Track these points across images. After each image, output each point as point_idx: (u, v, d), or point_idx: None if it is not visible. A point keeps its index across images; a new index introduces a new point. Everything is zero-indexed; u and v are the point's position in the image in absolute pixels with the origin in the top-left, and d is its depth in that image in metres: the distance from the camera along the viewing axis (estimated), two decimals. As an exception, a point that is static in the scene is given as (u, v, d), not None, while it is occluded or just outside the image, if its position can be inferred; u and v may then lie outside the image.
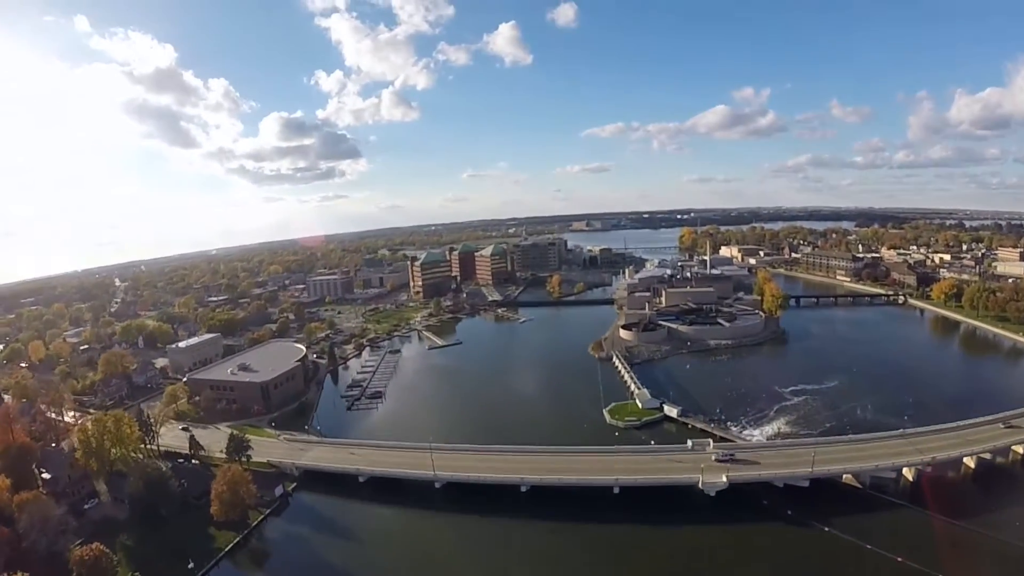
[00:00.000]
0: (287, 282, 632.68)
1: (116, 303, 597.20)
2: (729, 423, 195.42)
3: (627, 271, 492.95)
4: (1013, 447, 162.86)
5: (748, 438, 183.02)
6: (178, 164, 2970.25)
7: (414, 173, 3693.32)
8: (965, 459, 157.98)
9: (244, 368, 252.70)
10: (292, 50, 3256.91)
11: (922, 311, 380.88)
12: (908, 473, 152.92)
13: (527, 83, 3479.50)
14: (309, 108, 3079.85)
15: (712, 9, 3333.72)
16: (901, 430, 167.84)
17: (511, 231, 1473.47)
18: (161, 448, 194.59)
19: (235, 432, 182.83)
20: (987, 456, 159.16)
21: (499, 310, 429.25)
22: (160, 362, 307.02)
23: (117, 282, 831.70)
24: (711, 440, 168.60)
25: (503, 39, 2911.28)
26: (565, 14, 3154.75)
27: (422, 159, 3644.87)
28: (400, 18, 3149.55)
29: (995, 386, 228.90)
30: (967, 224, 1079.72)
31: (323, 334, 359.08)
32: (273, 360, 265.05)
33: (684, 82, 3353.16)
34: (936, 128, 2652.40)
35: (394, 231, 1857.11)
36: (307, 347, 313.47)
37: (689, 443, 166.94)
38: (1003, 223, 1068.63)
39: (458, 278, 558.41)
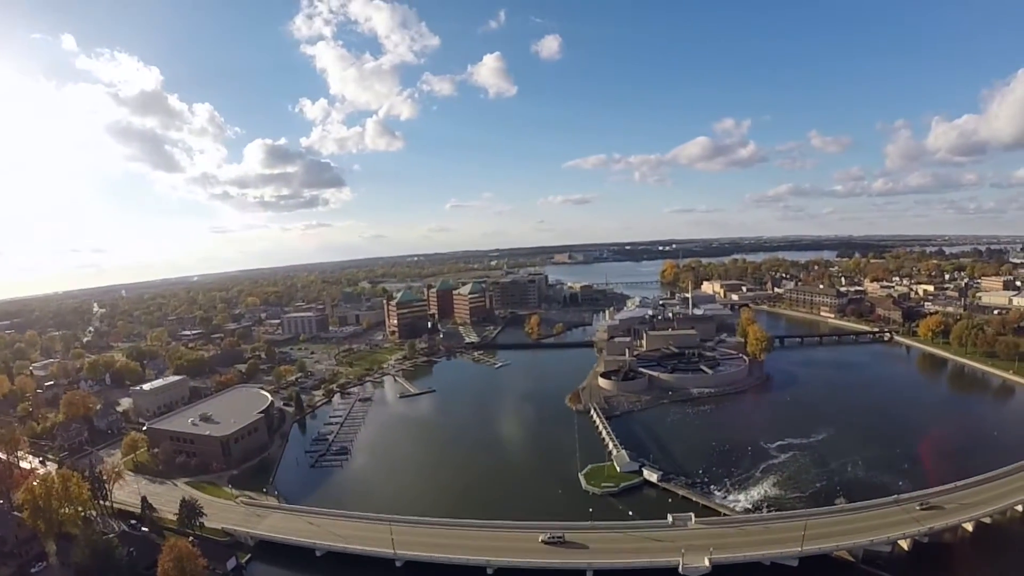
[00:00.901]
0: (263, 315, 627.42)
1: (90, 332, 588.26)
2: (712, 487, 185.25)
3: (607, 312, 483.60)
4: (1014, 507, 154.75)
5: (733, 504, 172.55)
6: (162, 188, 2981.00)
7: (397, 203, 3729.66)
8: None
9: (206, 419, 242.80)
10: (277, 77, 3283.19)
11: (908, 348, 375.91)
12: (904, 542, 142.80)
13: (511, 114, 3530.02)
14: (293, 135, 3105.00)
15: (693, 41, 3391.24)
16: (895, 496, 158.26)
17: (493, 263, 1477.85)
18: (115, 505, 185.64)
19: (186, 498, 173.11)
20: (986, 520, 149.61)
21: (476, 353, 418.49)
22: (125, 402, 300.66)
23: (95, 307, 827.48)
24: (692, 514, 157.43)
25: (488, 70, 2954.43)
26: (549, 46, 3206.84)
27: (406, 189, 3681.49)
28: (386, 47, 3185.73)
29: (988, 432, 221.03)
30: (947, 251, 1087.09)
31: (293, 377, 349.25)
32: (237, 409, 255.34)
33: (666, 114, 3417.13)
34: (914, 156, 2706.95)
35: (376, 261, 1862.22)
36: (276, 391, 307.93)
37: (669, 518, 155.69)
38: (983, 248, 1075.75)
39: (436, 316, 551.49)
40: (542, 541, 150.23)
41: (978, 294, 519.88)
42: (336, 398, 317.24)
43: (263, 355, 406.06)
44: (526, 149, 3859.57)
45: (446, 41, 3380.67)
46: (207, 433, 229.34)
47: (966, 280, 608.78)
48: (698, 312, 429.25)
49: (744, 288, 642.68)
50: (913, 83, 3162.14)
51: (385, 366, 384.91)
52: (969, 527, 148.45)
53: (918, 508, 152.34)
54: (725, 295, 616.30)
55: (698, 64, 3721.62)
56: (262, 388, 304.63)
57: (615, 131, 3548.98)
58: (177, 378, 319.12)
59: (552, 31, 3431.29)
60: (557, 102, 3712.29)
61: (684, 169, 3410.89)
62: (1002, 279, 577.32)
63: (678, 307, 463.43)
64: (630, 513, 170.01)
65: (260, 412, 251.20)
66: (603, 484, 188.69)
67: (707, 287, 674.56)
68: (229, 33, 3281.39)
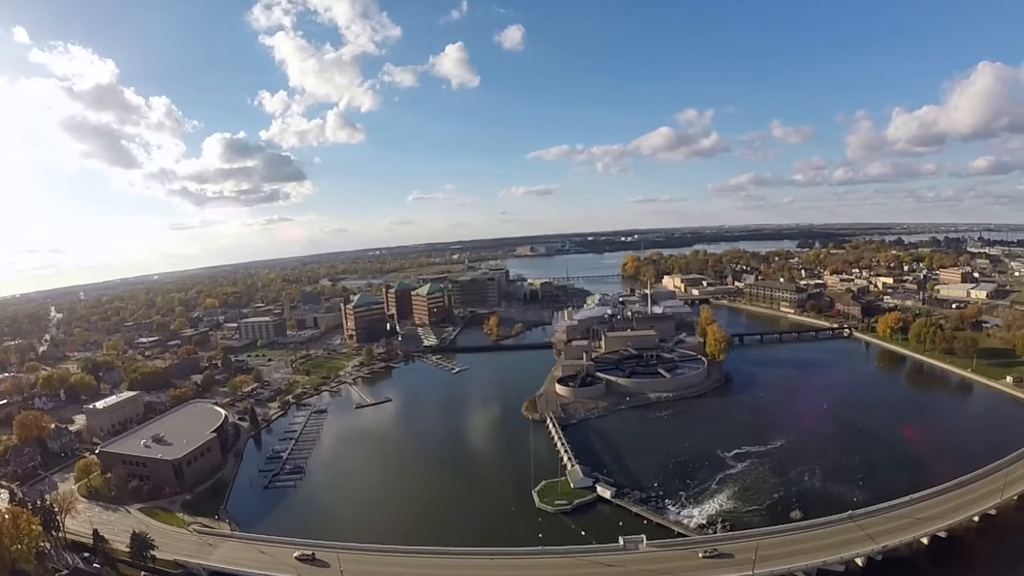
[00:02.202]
0: (222, 318, 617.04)
1: (47, 340, 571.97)
2: (667, 500, 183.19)
3: (567, 312, 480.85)
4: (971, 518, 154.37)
5: (687, 520, 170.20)
6: (119, 185, 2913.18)
7: (360, 196, 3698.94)
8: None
9: (158, 440, 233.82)
10: (236, 69, 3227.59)
11: (868, 345, 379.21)
12: (859, 560, 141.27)
13: (474, 105, 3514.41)
14: (253, 129, 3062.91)
15: (656, 33, 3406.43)
16: (850, 512, 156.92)
17: (455, 256, 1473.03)
18: (69, 537, 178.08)
19: (136, 531, 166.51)
20: (942, 534, 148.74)
21: (434, 357, 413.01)
22: (79, 420, 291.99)
23: (53, 311, 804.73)
24: (644, 537, 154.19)
25: (450, 61, 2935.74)
26: (512, 37, 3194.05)
27: (368, 182, 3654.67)
28: (346, 38, 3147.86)
29: (946, 435, 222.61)
30: (906, 239, 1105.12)
31: (249, 388, 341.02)
32: (190, 428, 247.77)
33: (629, 105, 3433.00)
34: (874, 146, 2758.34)
35: (338, 256, 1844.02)
36: (232, 403, 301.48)
37: (621, 540, 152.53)
38: (941, 237, 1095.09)
39: (395, 316, 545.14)
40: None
41: (936, 287, 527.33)
42: (292, 410, 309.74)
43: (219, 364, 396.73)
44: (489, 140, 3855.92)
45: (408, 31, 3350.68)
46: (159, 456, 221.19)
47: (925, 272, 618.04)
48: (657, 310, 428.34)
49: (705, 283, 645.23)
50: (875, 75, 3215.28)
51: (342, 374, 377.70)
52: (925, 540, 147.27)
53: (863, 532, 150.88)
54: (686, 290, 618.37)
55: (662, 55, 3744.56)
56: (216, 403, 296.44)
57: (578, 122, 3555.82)
58: (131, 394, 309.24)
59: (515, 21, 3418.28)
60: (520, 93, 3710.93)
61: (647, 159, 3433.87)
62: (960, 271, 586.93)
63: (638, 305, 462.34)
64: (583, 533, 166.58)
65: (213, 431, 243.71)
66: (556, 502, 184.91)
67: (668, 281, 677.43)
68: (186, 24, 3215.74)
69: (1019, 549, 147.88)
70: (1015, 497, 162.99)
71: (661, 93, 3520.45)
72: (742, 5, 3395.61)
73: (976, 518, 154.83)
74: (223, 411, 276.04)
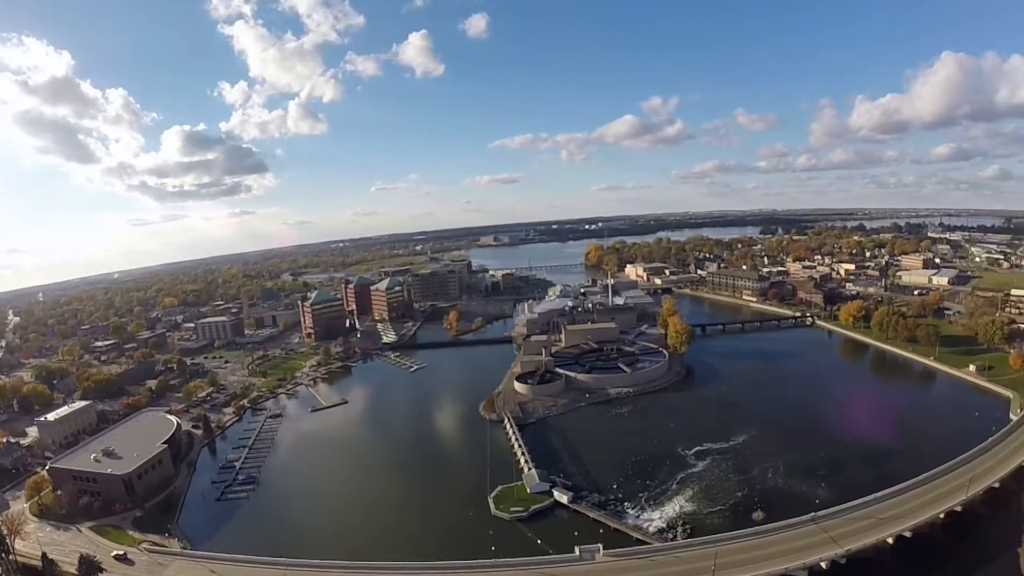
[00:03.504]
0: (180, 318, 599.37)
1: (1, 347, 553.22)
2: (627, 503, 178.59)
3: (527, 305, 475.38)
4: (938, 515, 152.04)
5: (647, 525, 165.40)
6: (77, 181, 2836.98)
7: (323, 187, 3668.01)
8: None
9: (108, 453, 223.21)
10: (195, 59, 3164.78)
11: (830, 333, 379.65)
12: (823, 563, 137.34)
13: (438, 94, 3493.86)
14: (213, 121, 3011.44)
15: (621, 21, 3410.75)
16: (812, 514, 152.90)
17: (418, 248, 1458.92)
18: (19, 560, 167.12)
19: (83, 554, 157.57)
20: (907, 534, 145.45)
21: (392, 354, 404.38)
22: (32, 432, 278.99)
23: (10, 315, 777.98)
24: (600, 546, 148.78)
25: (414, 49, 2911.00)
26: (477, 24, 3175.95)
27: (331, 173, 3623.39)
28: (308, 27, 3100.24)
29: (910, 426, 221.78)
30: (868, 225, 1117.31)
31: (204, 393, 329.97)
32: (141, 439, 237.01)
33: (593, 92, 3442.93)
34: (837, 133, 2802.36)
35: (301, 249, 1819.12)
36: (186, 410, 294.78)
37: (577, 550, 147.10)
38: (902, 223, 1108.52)
39: (355, 312, 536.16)
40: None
41: (898, 273, 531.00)
42: (248, 415, 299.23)
43: (175, 368, 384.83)
44: (453, 129, 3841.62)
45: (370, 19, 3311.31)
46: (108, 471, 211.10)
47: (887, 258, 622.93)
48: (619, 301, 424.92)
49: (667, 271, 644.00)
50: (839, 64, 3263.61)
51: (299, 374, 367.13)
52: (890, 540, 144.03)
53: (826, 534, 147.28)
54: (648, 279, 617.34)
55: (627, 43, 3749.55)
56: (168, 411, 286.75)
57: (543, 110, 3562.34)
58: (83, 404, 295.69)
59: (480, 9, 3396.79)
60: (484, 82, 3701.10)
61: (611, 147, 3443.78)
62: (922, 257, 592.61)
63: (599, 296, 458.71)
64: (539, 542, 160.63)
65: (164, 442, 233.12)
66: (512, 508, 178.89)
67: (630, 270, 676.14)
68: (143, 13, 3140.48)
69: (986, 546, 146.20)
70: (981, 492, 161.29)
71: (626, 81, 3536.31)
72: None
73: (942, 515, 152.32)
74: (175, 419, 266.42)
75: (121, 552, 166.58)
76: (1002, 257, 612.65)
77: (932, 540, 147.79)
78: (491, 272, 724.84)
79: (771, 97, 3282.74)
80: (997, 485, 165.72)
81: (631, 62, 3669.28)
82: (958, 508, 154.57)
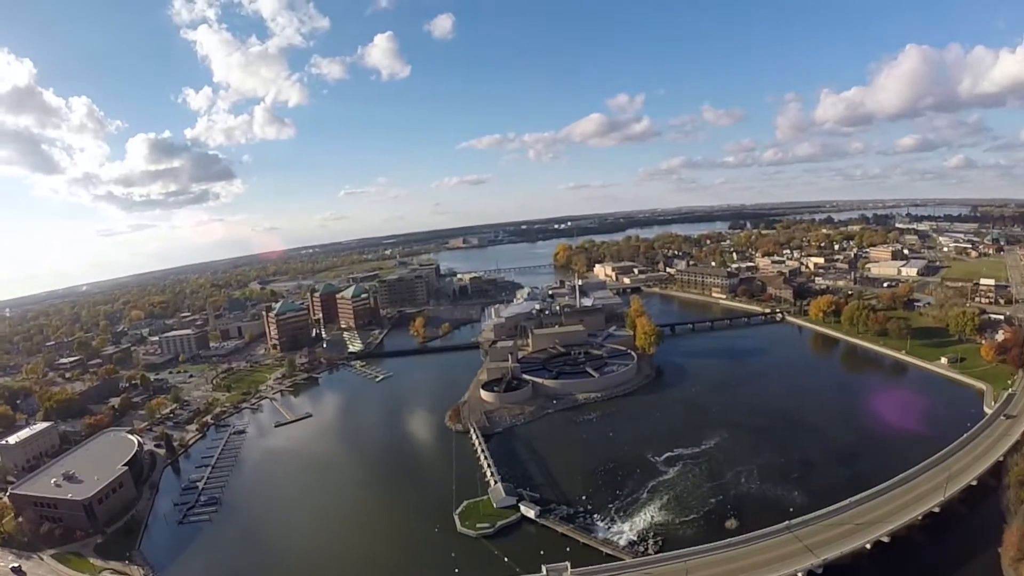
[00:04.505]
0: (146, 331, 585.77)
1: None
2: (596, 515, 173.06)
3: (494, 309, 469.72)
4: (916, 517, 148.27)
5: (617, 538, 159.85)
6: (42, 192, 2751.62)
7: (291, 193, 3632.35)
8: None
9: (69, 478, 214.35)
10: (158, 65, 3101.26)
11: (800, 328, 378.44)
12: (799, 574, 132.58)
13: (404, 95, 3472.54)
14: (178, 127, 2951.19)
15: (587, 17, 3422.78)
16: (787, 522, 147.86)
17: (387, 252, 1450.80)
18: None
19: None
20: (885, 539, 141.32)
21: (358, 364, 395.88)
22: None
23: None
24: (568, 564, 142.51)
25: (380, 51, 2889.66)
26: (442, 25, 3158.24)
27: (299, 178, 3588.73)
28: (272, 30, 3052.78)
29: (883, 423, 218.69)
30: (836, 217, 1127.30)
31: (168, 410, 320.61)
32: (102, 461, 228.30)
33: (560, 91, 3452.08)
34: (803, 127, 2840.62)
35: (270, 256, 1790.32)
36: (149, 428, 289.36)
37: (544, 569, 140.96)
38: (869, 214, 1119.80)
39: (321, 322, 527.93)
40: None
41: (867, 265, 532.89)
42: (211, 432, 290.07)
43: (139, 384, 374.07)
44: (420, 131, 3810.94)
45: (336, 22, 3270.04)
46: (69, 496, 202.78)
47: (855, 251, 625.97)
48: (587, 302, 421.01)
49: (636, 270, 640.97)
50: (804, 58, 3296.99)
51: (263, 388, 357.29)
52: (868, 546, 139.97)
53: (801, 543, 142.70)
54: (617, 278, 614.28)
55: (593, 40, 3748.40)
56: (130, 431, 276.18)
57: (509, 110, 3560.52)
58: (44, 426, 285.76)
59: (445, 9, 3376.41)
60: (451, 83, 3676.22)
61: (578, 146, 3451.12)
62: (890, 248, 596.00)
63: (567, 297, 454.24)
64: (505, 560, 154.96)
65: (125, 464, 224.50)
66: (478, 525, 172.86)
67: (599, 270, 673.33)
68: (105, 19, 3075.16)
69: (967, 547, 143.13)
70: (958, 491, 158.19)
71: (592, 79, 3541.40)
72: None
73: (920, 517, 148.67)
74: (136, 439, 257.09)
75: None
76: (970, 246, 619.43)
77: (911, 543, 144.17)
78: (459, 276, 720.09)
79: (737, 92, 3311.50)
80: (975, 483, 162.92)
81: (598, 58, 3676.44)
82: (936, 509, 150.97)
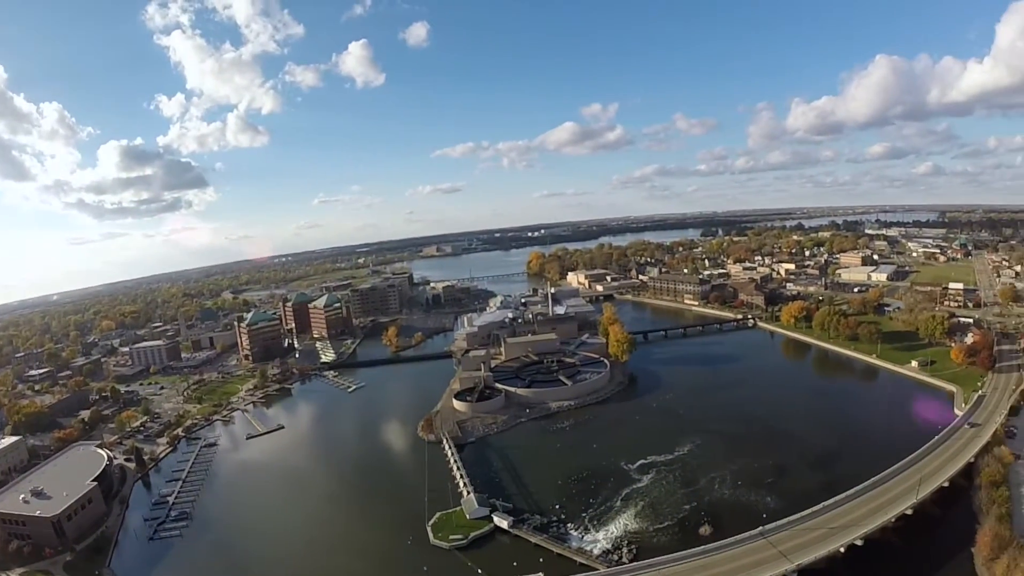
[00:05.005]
0: (117, 342, 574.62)
1: None
2: (569, 525, 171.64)
3: (467, 318, 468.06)
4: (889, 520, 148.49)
5: (591, 547, 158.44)
6: (12, 199, 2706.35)
7: (265, 201, 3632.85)
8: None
9: (37, 494, 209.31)
10: (131, 71, 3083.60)
11: (772, 334, 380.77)
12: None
13: (378, 104, 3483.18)
14: (150, 135, 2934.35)
15: (561, 27, 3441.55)
16: (761, 528, 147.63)
17: (361, 260, 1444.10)
18: None
19: None
20: (859, 543, 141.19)
21: (331, 374, 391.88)
22: None
23: None
24: (542, 575, 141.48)
25: (354, 59, 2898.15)
26: (417, 33, 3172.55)
27: (272, 186, 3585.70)
28: (246, 37, 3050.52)
29: (856, 426, 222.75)
30: (806, 224, 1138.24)
31: (138, 423, 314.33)
32: (71, 476, 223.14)
33: (534, 100, 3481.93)
34: (775, 135, 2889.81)
35: (243, 264, 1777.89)
36: (120, 442, 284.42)
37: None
38: (840, 221, 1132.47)
39: (294, 331, 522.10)
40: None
41: (838, 271, 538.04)
42: (182, 444, 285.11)
43: (109, 396, 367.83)
44: (394, 140, 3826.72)
45: (310, 29, 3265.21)
46: (37, 513, 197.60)
47: (826, 257, 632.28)
48: (560, 311, 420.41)
49: (609, 278, 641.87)
50: (776, 68, 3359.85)
51: (235, 399, 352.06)
52: (842, 549, 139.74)
53: (775, 549, 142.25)
54: (590, 286, 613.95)
55: (567, 49, 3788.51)
56: (100, 445, 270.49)
57: (483, 118, 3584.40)
58: (12, 440, 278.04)
59: (420, 17, 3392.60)
60: (425, 91, 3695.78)
61: (552, 154, 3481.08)
62: (860, 254, 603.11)
63: (540, 306, 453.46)
64: (479, 572, 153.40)
65: (94, 479, 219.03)
66: (451, 536, 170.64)
67: (572, 278, 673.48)
68: (77, 24, 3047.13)
69: (940, 548, 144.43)
70: (931, 493, 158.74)
71: (566, 88, 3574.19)
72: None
73: (893, 519, 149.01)
74: (105, 454, 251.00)
75: None
76: (938, 251, 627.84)
77: (885, 545, 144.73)
78: (432, 284, 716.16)
79: (710, 101, 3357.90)
80: (947, 485, 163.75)
81: (572, 68, 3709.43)
82: (909, 511, 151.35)
